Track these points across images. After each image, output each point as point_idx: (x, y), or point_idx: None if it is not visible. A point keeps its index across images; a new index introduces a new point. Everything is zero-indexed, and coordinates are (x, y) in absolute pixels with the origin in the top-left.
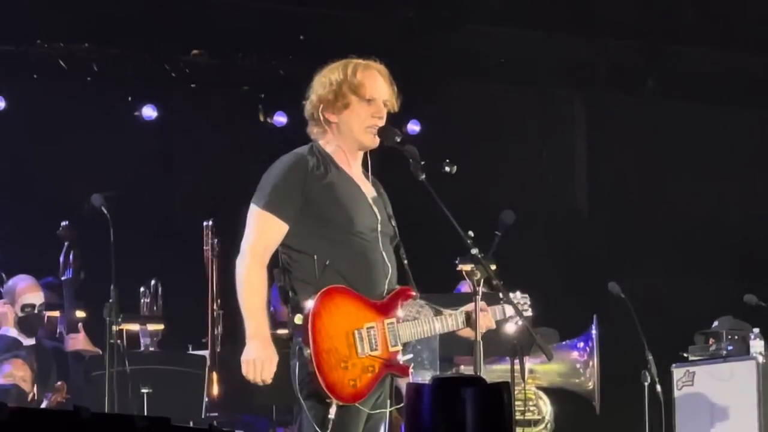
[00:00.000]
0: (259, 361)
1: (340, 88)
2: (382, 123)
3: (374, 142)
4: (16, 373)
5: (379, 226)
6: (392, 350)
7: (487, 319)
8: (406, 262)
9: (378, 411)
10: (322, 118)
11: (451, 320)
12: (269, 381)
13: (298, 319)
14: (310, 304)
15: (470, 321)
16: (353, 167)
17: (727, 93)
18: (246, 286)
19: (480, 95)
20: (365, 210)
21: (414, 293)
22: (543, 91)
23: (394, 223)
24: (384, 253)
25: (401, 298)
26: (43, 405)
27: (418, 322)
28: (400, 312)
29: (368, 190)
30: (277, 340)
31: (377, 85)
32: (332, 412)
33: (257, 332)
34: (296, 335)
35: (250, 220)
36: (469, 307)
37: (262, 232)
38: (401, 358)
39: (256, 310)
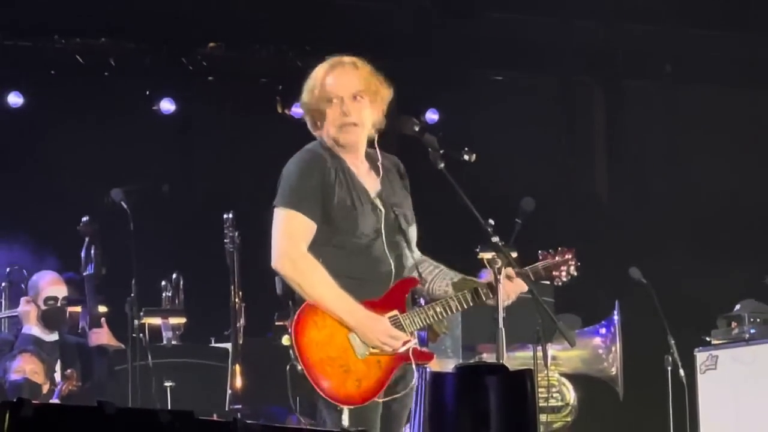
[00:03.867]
0: (384, 336)
1: (313, 94)
2: (353, 118)
3: (347, 140)
4: (26, 367)
5: (382, 223)
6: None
7: (516, 285)
8: (412, 245)
9: (395, 396)
10: (312, 126)
11: (461, 300)
12: (407, 337)
13: (286, 340)
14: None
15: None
16: (360, 162)
17: (745, 76)
18: (305, 281)
19: (498, 83)
20: (368, 210)
21: (419, 281)
22: (561, 78)
23: (399, 211)
24: (387, 250)
25: (404, 289)
26: (55, 396)
27: (427, 308)
28: (407, 297)
29: (372, 184)
30: None
31: (340, 82)
32: (345, 417)
33: (353, 315)
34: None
35: (277, 222)
36: (486, 279)
37: (293, 231)
38: (412, 345)
39: (333, 297)
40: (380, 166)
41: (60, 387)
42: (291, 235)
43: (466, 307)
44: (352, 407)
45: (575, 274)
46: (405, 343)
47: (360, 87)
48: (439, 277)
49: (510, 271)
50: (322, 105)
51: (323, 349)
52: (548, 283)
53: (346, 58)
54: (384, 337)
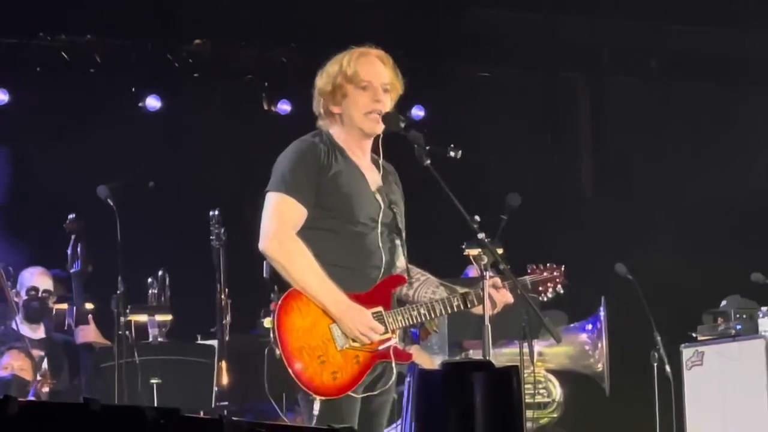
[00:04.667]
0: (364, 327)
1: (336, 79)
2: (382, 107)
3: (376, 127)
4: (14, 363)
5: (380, 215)
6: (381, 338)
7: (503, 295)
8: (405, 249)
9: (373, 393)
10: (324, 111)
11: (446, 304)
12: (385, 331)
13: (267, 322)
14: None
15: (478, 299)
16: (363, 155)
17: (731, 73)
18: (291, 264)
19: (483, 79)
20: (367, 199)
21: (406, 279)
22: (547, 74)
23: (396, 210)
24: (381, 243)
25: (390, 286)
26: (30, 395)
27: (411, 307)
28: (393, 294)
29: (374, 178)
30: None
31: (373, 70)
32: (316, 408)
33: (336, 303)
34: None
35: (268, 206)
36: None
37: (283, 215)
38: (393, 344)
39: (318, 283)
40: (381, 164)
41: (35, 386)
42: (280, 217)
43: (450, 311)
44: (324, 399)
45: (561, 292)
46: (385, 340)
47: (388, 80)
48: (425, 284)
49: (497, 281)
50: (350, 89)
51: (304, 336)
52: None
53: (374, 50)
54: (363, 327)
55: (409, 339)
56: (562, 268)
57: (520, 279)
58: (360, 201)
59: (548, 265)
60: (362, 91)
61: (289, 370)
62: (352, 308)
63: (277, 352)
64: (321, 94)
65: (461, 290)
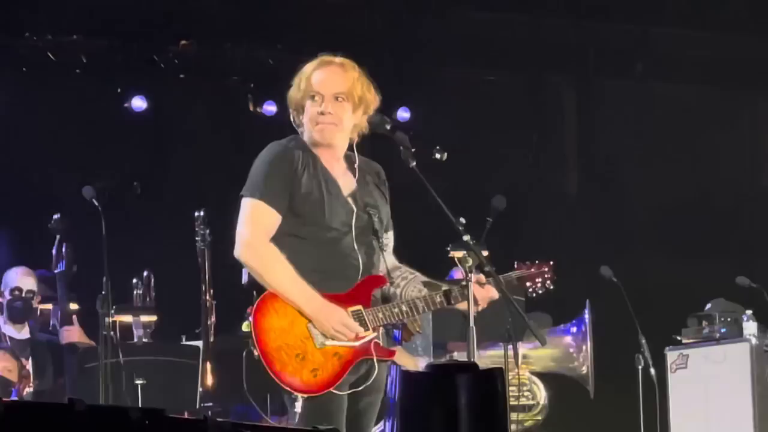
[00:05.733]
0: (338, 324)
1: (299, 88)
2: (327, 118)
3: (321, 137)
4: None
5: (354, 219)
6: (360, 335)
7: (486, 291)
8: (385, 251)
9: (357, 390)
10: (295, 119)
11: (428, 301)
12: (361, 329)
13: (246, 326)
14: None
15: (461, 296)
16: (336, 161)
17: (716, 75)
18: (265, 269)
19: (469, 81)
20: (339, 205)
21: (386, 280)
22: (532, 76)
23: (372, 212)
24: (356, 246)
25: (370, 286)
26: (13, 396)
27: (392, 305)
28: (374, 293)
29: (347, 183)
30: None
31: (327, 79)
32: (298, 406)
33: (310, 303)
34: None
35: (243, 211)
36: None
37: (258, 221)
38: (372, 339)
39: (292, 286)
40: (356, 168)
41: (17, 387)
42: (255, 224)
43: (433, 308)
44: (306, 396)
45: (551, 287)
46: (362, 336)
47: (343, 89)
48: (411, 283)
49: (481, 277)
50: (305, 100)
51: (282, 336)
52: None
53: (337, 59)
54: (338, 325)
55: (391, 341)
56: (551, 264)
57: (506, 275)
58: (332, 207)
59: (537, 261)
60: (311, 101)
61: (269, 371)
62: (326, 306)
63: (255, 353)
64: (289, 101)
65: (444, 287)
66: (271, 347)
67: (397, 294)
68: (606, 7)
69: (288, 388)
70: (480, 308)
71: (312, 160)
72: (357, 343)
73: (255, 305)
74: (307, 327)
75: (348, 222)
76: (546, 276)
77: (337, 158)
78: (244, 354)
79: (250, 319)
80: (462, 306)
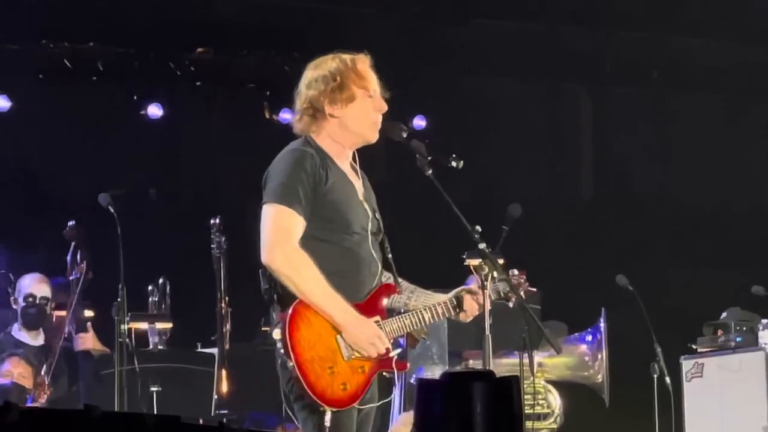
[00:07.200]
0: (374, 338)
1: (345, 80)
2: (380, 117)
3: (376, 137)
4: (14, 370)
5: (369, 224)
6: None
7: (478, 299)
8: (390, 256)
9: (367, 406)
10: (323, 112)
11: (441, 309)
12: (389, 344)
13: (276, 334)
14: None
15: (464, 303)
16: (345, 163)
17: (732, 84)
18: (298, 275)
19: (486, 89)
20: (359, 209)
21: (397, 288)
22: (549, 85)
23: (378, 216)
24: (372, 251)
25: (384, 295)
26: (29, 403)
27: (405, 316)
28: (386, 303)
29: (359, 186)
30: None
31: (374, 78)
32: (328, 419)
33: (344, 315)
34: (277, 348)
35: (267, 217)
36: (461, 289)
37: (284, 226)
38: (392, 354)
39: (325, 295)
40: (358, 170)
41: (33, 394)
42: (281, 229)
43: (437, 319)
44: (335, 410)
45: (523, 297)
46: (388, 349)
47: (380, 88)
48: (416, 293)
49: (474, 288)
50: (360, 94)
51: (313, 347)
52: (534, 290)
53: (364, 56)
54: (373, 338)
55: (397, 347)
56: (525, 272)
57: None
58: (352, 211)
59: (511, 271)
60: (370, 99)
61: (302, 381)
62: (360, 319)
63: (290, 363)
64: (323, 94)
65: (446, 297)
66: (305, 358)
67: (408, 304)
68: (623, 16)
69: (318, 401)
70: (470, 319)
71: (330, 162)
72: (385, 357)
73: (289, 313)
74: (335, 339)
75: (365, 226)
76: (521, 287)
77: (348, 161)
78: (278, 364)
79: (284, 327)
80: (464, 316)
